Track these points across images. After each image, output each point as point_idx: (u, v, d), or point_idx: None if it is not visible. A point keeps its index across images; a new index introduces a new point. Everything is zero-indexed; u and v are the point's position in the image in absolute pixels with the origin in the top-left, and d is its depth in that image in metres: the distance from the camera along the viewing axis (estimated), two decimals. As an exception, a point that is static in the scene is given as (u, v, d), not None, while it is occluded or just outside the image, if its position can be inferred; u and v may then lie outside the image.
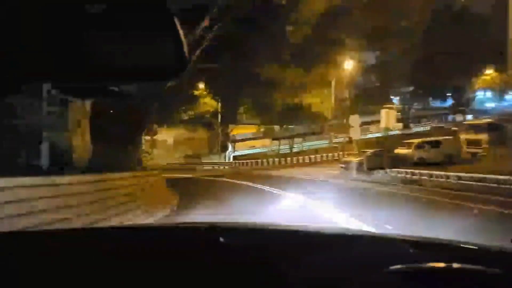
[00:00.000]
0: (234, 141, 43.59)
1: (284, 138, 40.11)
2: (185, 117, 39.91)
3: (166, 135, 51.07)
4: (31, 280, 0.81)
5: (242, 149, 44.05)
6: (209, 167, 40.09)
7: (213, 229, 1.14)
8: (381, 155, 25.18)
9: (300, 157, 35.47)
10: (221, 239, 0.94)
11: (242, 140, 43.89)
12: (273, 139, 41.11)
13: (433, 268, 0.73)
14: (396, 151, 26.69)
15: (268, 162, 35.71)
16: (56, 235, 1.22)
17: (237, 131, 45.02)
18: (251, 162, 37.18)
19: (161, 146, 50.76)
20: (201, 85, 39.23)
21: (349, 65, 33.12)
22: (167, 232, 1.24)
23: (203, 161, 43.48)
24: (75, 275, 0.82)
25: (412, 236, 1.12)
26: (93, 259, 0.89)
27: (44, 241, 1.09)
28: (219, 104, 39.59)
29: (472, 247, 1.03)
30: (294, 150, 39.64)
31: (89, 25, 0.64)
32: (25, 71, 0.66)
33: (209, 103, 38.99)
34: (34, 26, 0.63)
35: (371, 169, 22.50)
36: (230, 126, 44.26)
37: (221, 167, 39.11)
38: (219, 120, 41.68)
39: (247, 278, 0.80)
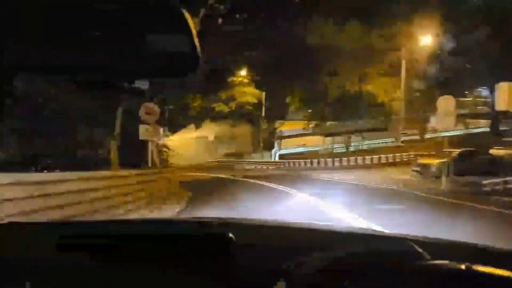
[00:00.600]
0: (281, 138, 38.00)
1: (339, 134, 33.92)
2: (226, 110, 35.25)
3: (206, 131, 46.90)
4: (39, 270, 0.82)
5: (290, 147, 38.41)
6: (251, 167, 34.98)
7: (224, 224, 1.17)
8: (473, 157, 18.66)
9: (359, 158, 29.04)
10: (231, 235, 0.90)
11: (290, 136, 38.18)
12: (326, 135, 35.01)
13: (440, 268, 0.74)
14: (492, 151, 19.99)
15: (319, 163, 29.77)
16: (62, 227, 1.24)
17: (285, 127, 39.54)
18: (300, 162, 31.48)
19: (202, 143, 46.65)
20: (243, 72, 34.50)
21: (427, 40, 26.14)
22: (177, 226, 1.27)
23: (246, 159, 38.44)
24: (86, 267, 0.84)
25: (424, 237, 1.09)
26: (102, 251, 0.89)
27: (50, 232, 1.07)
28: (264, 94, 34.35)
29: (487, 249, 1.01)
30: (351, 149, 33.39)
31: (100, 22, 0.66)
32: (43, 64, 0.69)
33: (250, 92, 33.89)
34: (50, 22, 0.65)
35: (459, 175, 16.08)
36: (278, 122, 38.90)
37: (265, 167, 33.82)
38: (263, 113, 36.35)
39: (254, 273, 0.82)
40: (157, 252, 0.88)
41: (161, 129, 15.49)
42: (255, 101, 34.86)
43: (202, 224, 1.26)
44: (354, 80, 28.03)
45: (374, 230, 1.85)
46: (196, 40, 0.67)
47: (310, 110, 36.22)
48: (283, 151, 37.17)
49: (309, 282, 0.75)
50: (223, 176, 24.01)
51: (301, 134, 37.20)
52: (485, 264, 0.70)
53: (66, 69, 0.70)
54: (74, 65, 0.68)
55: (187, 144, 47.26)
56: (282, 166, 32.98)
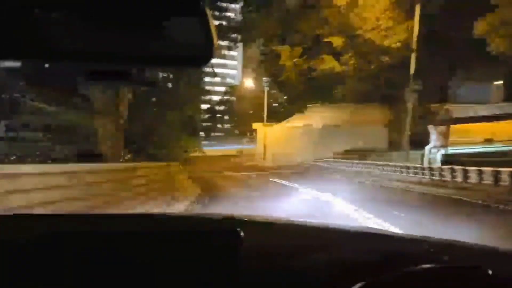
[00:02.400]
0: (447, 123, 19.68)
1: None
2: (338, 68, 19.29)
3: (312, 117, 31.34)
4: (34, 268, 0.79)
5: (464, 143, 20.26)
6: (387, 172, 18.44)
7: (230, 219, 1.13)
8: None
9: None
10: (238, 230, 0.89)
11: (464, 120, 19.82)
12: None
13: (451, 268, 0.76)
14: None
15: None
16: (65, 220, 1.21)
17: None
18: (499, 173, 13.84)
19: (305, 134, 31.35)
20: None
21: None
22: (183, 220, 1.28)
23: (375, 161, 21.60)
24: (89, 261, 0.83)
25: (437, 239, 1.05)
26: (106, 246, 0.89)
27: (56, 224, 1.08)
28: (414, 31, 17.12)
29: (500, 251, 0.98)
30: None
31: (110, 9, 0.65)
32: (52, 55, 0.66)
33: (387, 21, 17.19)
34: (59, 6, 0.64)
35: None
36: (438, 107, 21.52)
37: (412, 178, 16.90)
38: (411, 74, 18.83)
39: (259, 268, 0.81)
40: (164, 247, 0.87)
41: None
42: (398, 45, 17.86)
43: (210, 220, 1.25)
44: None
45: (386, 231, 1.81)
46: (212, 30, 0.65)
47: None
48: (452, 150, 19.13)
49: (312, 281, 0.73)
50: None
51: (490, 117, 19.03)
52: (500, 267, 0.72)
53: (72, 57, 0.64)
54: (81, 52, 0.64)
55: (284, 136, 32.63)
56: (451, 180, 15.73)
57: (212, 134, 73.07)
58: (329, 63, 20.06)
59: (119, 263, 0.81)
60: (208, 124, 77.18)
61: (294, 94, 25.61)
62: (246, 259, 0.83)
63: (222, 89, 75.57)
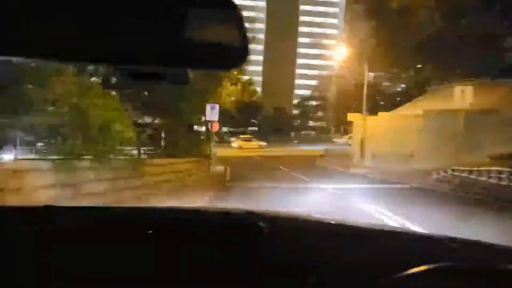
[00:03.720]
0: None
1: None
2: None
3: (440, 99, 20.00)
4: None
5: None
6: None
7: (251, 214, 1.15)
8: None
9: None
10: (260, 224, 0.93)
11: None
12: None
13: (473, 267, 0.76)
14: None
15: None
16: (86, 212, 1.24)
17: None
18: None
19: (429, 125, 20.33)
20: None
21: None
22: (203, 214, 1.29)
23: None
24: (105, 254, 0.84)
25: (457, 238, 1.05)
26: (124, 238, 0.91)
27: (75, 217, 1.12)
28: None
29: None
30: None
31: (135, 7, 0.64)
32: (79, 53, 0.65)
33: None
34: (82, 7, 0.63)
35: None
36: None
37: None
38: None
39: (281, 265, 0.81)
40: (185, 240, 0.89)
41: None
42: None
43: (231, 214, 1.27)
44: None
45: (407, 229, 1.84)
46: (246, 32, 0.66)
47: None
48: None
49: (333, 278, 0.74)
50: None
51: None
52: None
53: (105, 60, 0.64)
54: (119, 54, 0.63)
55: (393, 129, 21.91)
56: None
57: (303, 132, 64.08)
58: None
59: (143, 255, 0.82)
60: (298, 120, 68.30)
61: (412, 47, 14.85)
62: (266, 253, 0.83)
63: (314, 82, 66.12)
